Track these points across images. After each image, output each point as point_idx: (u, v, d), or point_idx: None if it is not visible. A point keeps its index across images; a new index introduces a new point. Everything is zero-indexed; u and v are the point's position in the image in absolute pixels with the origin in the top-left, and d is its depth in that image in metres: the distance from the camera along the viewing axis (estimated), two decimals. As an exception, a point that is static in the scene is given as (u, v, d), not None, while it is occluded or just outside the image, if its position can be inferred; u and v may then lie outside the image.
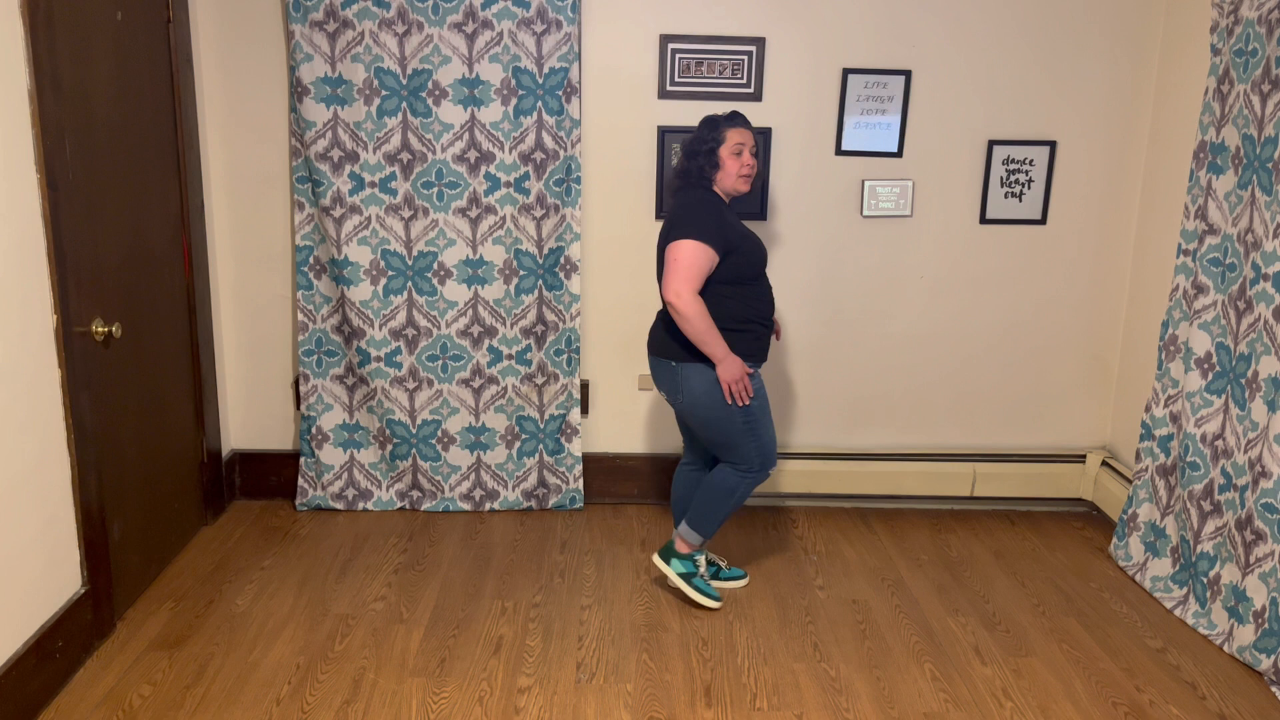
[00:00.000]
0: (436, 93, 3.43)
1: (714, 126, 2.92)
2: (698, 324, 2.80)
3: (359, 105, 3.42)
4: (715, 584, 3.24)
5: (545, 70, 3.43)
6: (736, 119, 2.93)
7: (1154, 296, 3.60)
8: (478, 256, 3.58)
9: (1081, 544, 3.63)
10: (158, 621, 2.94)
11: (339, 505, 3.76)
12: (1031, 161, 3.65)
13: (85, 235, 2.69)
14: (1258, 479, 2.81)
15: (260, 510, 3.74)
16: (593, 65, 3.53)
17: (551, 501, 3.82)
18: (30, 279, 2.45)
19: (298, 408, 3.76)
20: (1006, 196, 3.68)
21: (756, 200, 3.63)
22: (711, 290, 2.87)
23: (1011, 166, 3.65)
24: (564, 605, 3.10)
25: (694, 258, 2.80)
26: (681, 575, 3.11)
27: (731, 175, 2.90)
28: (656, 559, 3.15)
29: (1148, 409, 3.36)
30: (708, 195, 2.92)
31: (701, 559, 3.14)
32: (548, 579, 3.27)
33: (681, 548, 3.12)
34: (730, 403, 2.89)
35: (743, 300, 2.91)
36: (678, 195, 2.98)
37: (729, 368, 2.84)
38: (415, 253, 3.56)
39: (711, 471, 3.08)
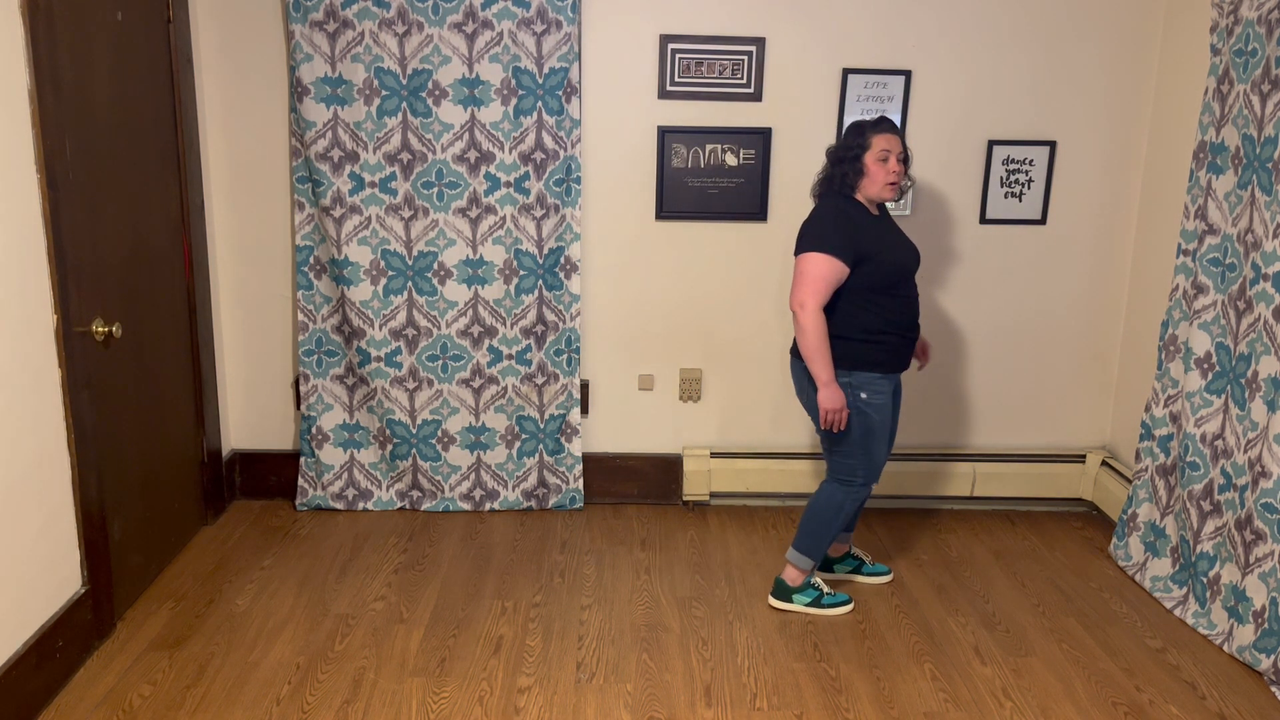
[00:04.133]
0: (436, 93, 3.43)
1: (860, 133, 2.86)
2: (811, 339, 2.79)
3: (359, 105, 3.42)
4: (860, 579, 3.25)
5: (545, 70, 3.43)
6: (883, 124, 2.86)
7: (1154, 296, 3.60)
8: (478, 256, 3.58)
9: (1081, 544, 3.63)
10: (158, 621, 2.94)
11: (339, 505, 3.76)
12: (1031, 161, 3.65)
13: (85, 235, 2.69)
14: (1257, 479, 2.81)
15: (260, 510, 3.74)
16: (593, 65, 3.53)
17: (551, 501, 3.82)
18: (30, 279, 2.45)
19: (298, 408, 3.76)
20: (1006, 196, 3.68)
21: (756, 200, 3.63)
22: (846, 299, 2.84)
23: (1011, 166, 3.65)
24: (564, 605, 3.10)
25: (818, 270, 2.78)
26: (809, 606, 3.08)
27: (878, 183, 2.84)
28: (774, 602, 3.10)
29: (1148, 409, 3.36)
30: (841, 204, 2.87)
31: (817, 579, 3.11)
32: (548, 579, 3.27)
33: (795, 578, 3.08)
34: (831, 424, 2.86)
35: (878, 310, 2.85)
36: (816, 203, 2.96)
37: (830, 396, 2.81)
38: (415, 253, 3.56)
39: (815, 492, 3.04)
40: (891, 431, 3.04)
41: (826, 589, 3.11)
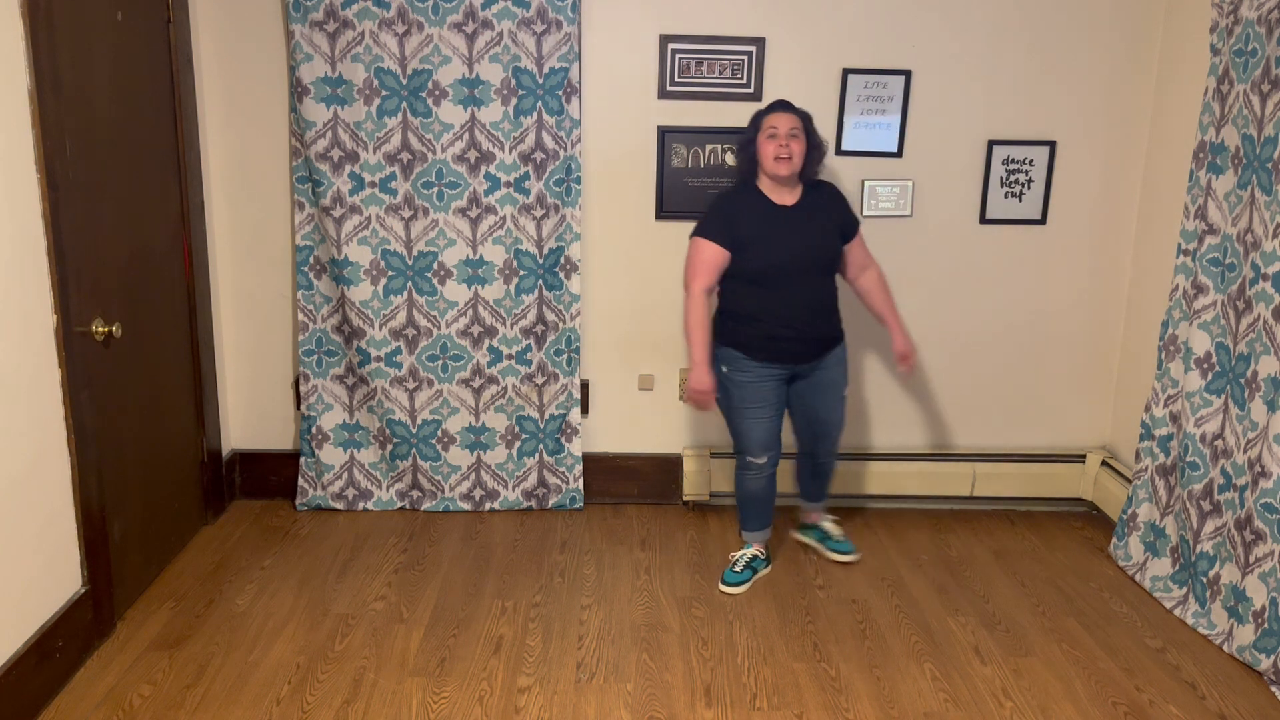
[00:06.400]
0: (436, 93, 3.43)
1: (754, 118, 3.05)
2: (688, 320, 3.03)
3: (359, 105, 3.42)
4: (825, 550, 3.43)
5: (545, 70, 3.43)
6: (774, 106, 3.04)
7: (1154, 296, 3.60)
8: (478, 256, 3.58)
9: (1081, 544, 3.63)
10: (158, 621, 2.94)
11: (339, 505, 3.76)
12: (1031, 161, 3.65)
13: (85, 235, 2.69)
14: (1257, 479, 2.81)
15: (260, 510, 3.74)
16: (593, 65, 3.53)
17: (551, 501, 3.82)
18: (30, 279, 2.46)
19: (298, 408, 3.76)
20: (1006, 196, 3.68)
21: (756, 200, 3.63)
22: (729, 281, 3.06)
23: (1011, 166, 3.65)
24: (564, 605, 3.10)
25: (696, 253, 3.03)
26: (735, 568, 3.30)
27: (768, 159, 2.99)
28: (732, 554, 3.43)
29: (1147, 409, 3.36)
30: (735, 191, 3.10)
31: (740, 554, 3.29)
32: (548, 579, 3.27)
33: (745, 542, 3.36)
34: (718, 395, 3.13)
35: (753, 298, 3.03)
36: None
37: (696, 376, 3.03)
38: (415, 253, 3.56)
39: None
40: (820, 425, 3.23)
41: (739, 566, 3.24)
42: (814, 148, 3.06)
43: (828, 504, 3.51)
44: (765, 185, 3.06)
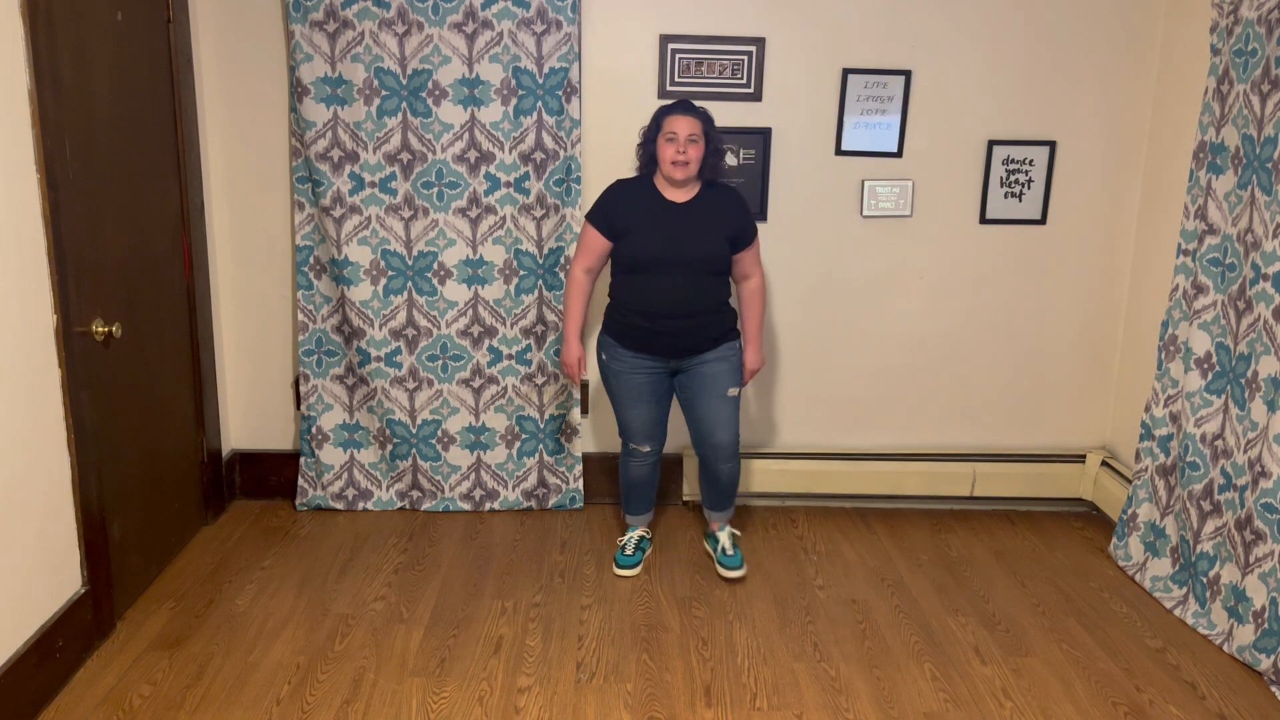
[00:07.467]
0: (436, 93, 3.43)
1: (656, 115, 3.05)
2: (565, 297, 3.20)
3: (359, 105, 3.42)
4: (716, 565, 3.35)
5: (545, 70, 3.43)
6: (676, 107, 3.02)
7: (1154, 296, 3.60)
8: (478, 256, 3.58)
9: (1081, 544, 3.63)
10: (158, 621, 2.94)
11: (339, 505, 3.76)
12: (1031, 161, 3.65)
13: (85, 235, 2.69)
14: (1257, 479, 2.81)
15: (260, 510, 3.74)
16: (593, 65, 3.53)
17: (551, 501, 3.82)
18: (30, 279, 2.46)
19: (298, 408, 3.76)
20: (1006, 196, 3.68)
21: (756, 200, 3.62)
22: (613, 269, 3.16)
23: (1011, 166, 3.65)
24: (564, 605, 3.10)
25: (582, 235, 3.15)
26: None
27: (665, 162, 3.00)
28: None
29: (1147, 409, 3.36)
30: (629, 181, 3.14)
31: (628, 537, 3.39)
32: (548, 579, 3.27)
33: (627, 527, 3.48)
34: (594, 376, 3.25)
35: (628, 287, 3.11)
36: None
37: (564, 350, 3.21)
38: (415, 253, 3.56)
39: None
40: (702, 424, 3.20)
41: (629, 549, 3.35)
42: (713, 151, 3.05)
43: (729, 514, 3.39)
44: (660, 181, 3.07)
